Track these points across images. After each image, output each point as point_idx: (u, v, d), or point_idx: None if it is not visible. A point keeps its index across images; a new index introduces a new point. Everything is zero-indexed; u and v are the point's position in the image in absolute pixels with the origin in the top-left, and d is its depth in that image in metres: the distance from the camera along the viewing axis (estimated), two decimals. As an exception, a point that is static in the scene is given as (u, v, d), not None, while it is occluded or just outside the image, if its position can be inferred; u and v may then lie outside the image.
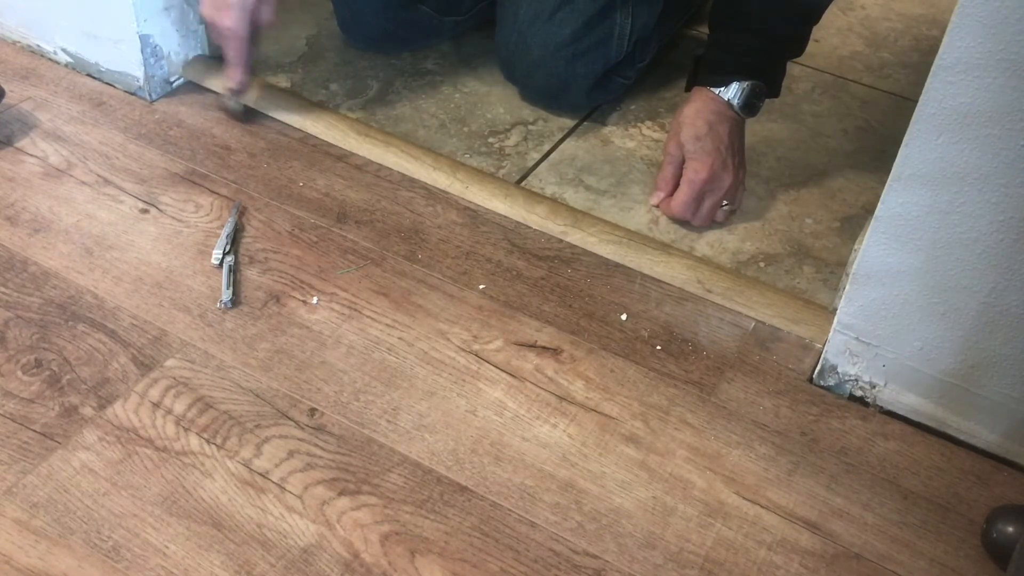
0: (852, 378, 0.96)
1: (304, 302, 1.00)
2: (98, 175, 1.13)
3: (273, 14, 1.14)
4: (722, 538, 0.84)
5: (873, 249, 0.88)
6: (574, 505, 0.85)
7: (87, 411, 0.88)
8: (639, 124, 1.30)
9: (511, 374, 0.95)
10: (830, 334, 0.95)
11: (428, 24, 1.35)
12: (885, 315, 0.91)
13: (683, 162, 1.12)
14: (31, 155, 1.15)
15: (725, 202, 1.13)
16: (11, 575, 0.76)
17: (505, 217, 1.13)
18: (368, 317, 0.99)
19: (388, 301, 1.01)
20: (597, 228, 1.11)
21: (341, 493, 0.84)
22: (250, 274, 1.03)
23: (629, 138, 1.28)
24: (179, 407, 0.89)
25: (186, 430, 0.87)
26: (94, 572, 0.77)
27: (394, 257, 1.06)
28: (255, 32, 1.15)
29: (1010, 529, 0.81)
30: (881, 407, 0.95)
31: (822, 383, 0.97)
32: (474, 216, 1.13)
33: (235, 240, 1.06)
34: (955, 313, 0.87)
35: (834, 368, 0.96)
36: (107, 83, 1.27)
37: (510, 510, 0.84)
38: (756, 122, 1.19)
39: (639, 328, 1.01)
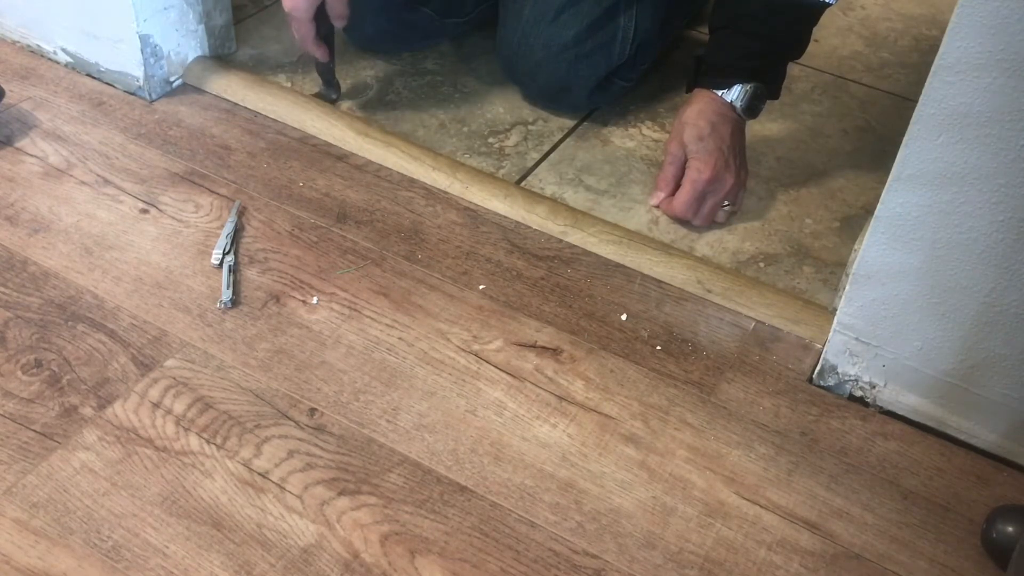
0: (852, 378, 0.96)
1: (304, 302, 1.00)
2: (98, 175, 1.13)
3: (343, 11, 1.17)
4: (722, 538, 0.84)
5: (873, 249, 0.88)
6: (574, 505, 0.85)
7: (87, 411, 0.88)
8: (639, 124, 1.30)
9: (511, 374, 0.95)
10: (830, 334, 0.95)
11: (429, 25, 1.35)
12: (885, 315, 0.91)
13: (685, 162, 1.12)
14: (31, 155, 1.15)
15: (726, 202, 1.13)
16: (11, 575, 0.76)
17: (505, 217, 1.13)
18: (368, 317, 0.99)
19: (388, 301, 1.01)
20: (597, 228, 1.11)
21: (341, 493, 0.84)
22: (250, 274, 1.03)
23: (629, 138, 1.28)
24: (179, 407, 0.89)
25: (186, 430, 0.87)
26: (94, 572, 0.77)
27: (394, 257, 1.06)
28: (327, 22, 1.18)
29: (1010, 529, 0.81)
30: (881, 407, 0.95)
31: (822, 383, 0.97)
32: (474, 216, 1.13)
33: (235, 240, 1.06)
34: (955, 313, 0.87)
35: (834, 368, 0.96)
36: (107, 83, 1.27)
37: (510, 510, 0.84)
38: (756, 122, 1.19)
39: (639, 328, 1.01)
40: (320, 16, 1.16)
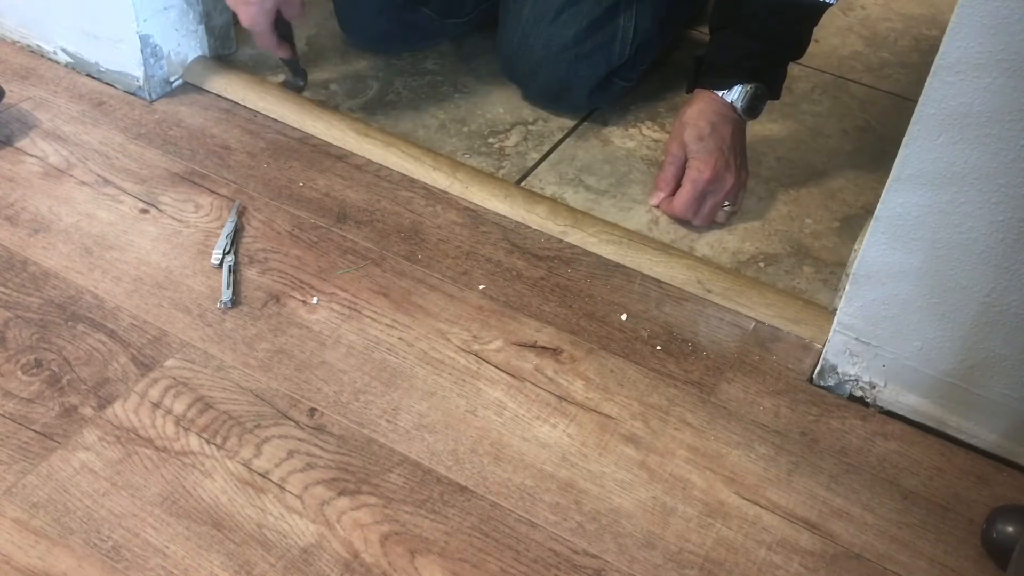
0: (852, 378, 0.96)
1: (304, 302, 1.00)
2: (98, 175, 1.13)
3: (299, 10, 1.19)
4: (722, 538, 0.84)
5: (873, 249, 0.88)
6: (574, 505, 0.85)
7: (87, 411, 0.88)
8: (639, 124, 1.30)
9: (511, 374, 0.95)
10: (830, 334, 0.95)
11: (429, 25, 1.35)
12: (885, 315, 0.91)
13: (685, 162, 1.13)
14: (31, 155, 1.15)
15: (727, 202, 1.13)
16: (11, 575, 0.76)
17: (505, 217, 1.13)
18: (368, 317, 0.99)
19: (388, 301, 1.01)
20: (597, 228, 1.11)
21: (341, 493, 0.84)
22: (250, 274, 1.03)
23: (629, 138, 1.28)
24: (179, 407, 0.89)
25: (186, 430, 0.87)
26: (94, 572, 0.77)
27: (394, 257, 1.06)
28: (284, 22, 1.20)
29: (1010, 529, 0.81)
30: (881, 407, 0.95)
31: (822, 383, 0.97)
32: (474, 216, 1.13)
33: (235, 240, 1.06)
34: (955, 313, 0.87)
35: (834, 368, 0.96)
36: (107, 83, 1.27)
37: (510, 510, 0.84)
38: (756, 122, 1.19)
39: (639, 328, 1.01)
40: (277, 20, 1.19)
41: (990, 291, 0.84)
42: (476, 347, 0.97)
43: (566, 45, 1.22)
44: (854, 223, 1.16)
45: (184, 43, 1.26)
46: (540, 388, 0.94)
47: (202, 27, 1.27)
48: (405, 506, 0.83)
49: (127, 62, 1.23)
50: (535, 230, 1.11)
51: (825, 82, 1.41)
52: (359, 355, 0.96)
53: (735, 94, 1.11)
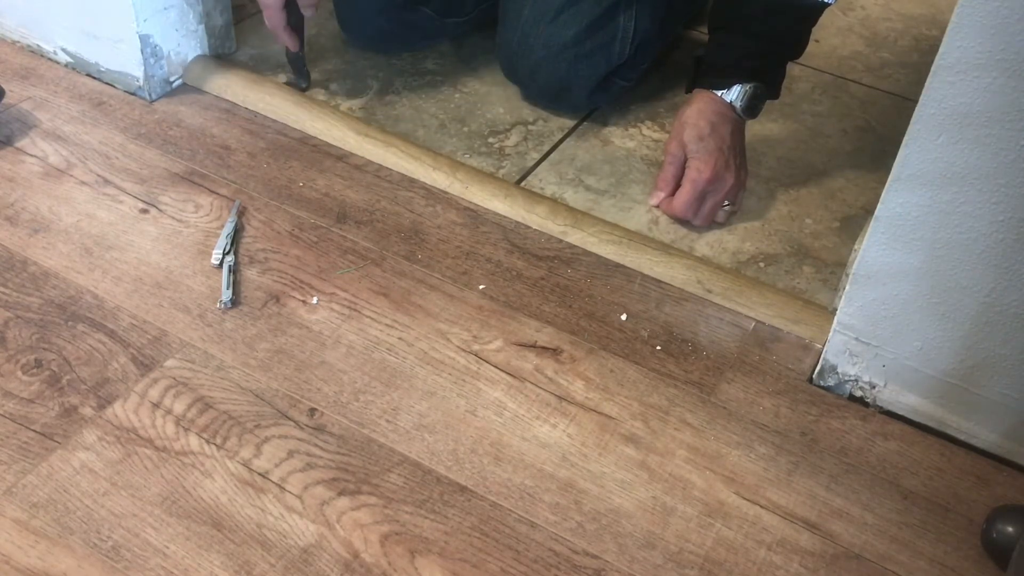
0: (852, 378, 0.96)
1: (304, 302, 1.00)
2: (98, 175, 1.13)
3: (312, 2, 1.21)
4: (722, 538, 0.84)
5: (873, 249, 0.88)
6: (574, 505, 0.85)
7: (87, 411, 0.88)
8: (639, 124, 1.30)
9: (511, 374, 0.95)
10: (830, 334, 0.95)
11: (429, 25, 1.35)
12: (885, 315, 0.91)
13: (685, 162, 1.13)
14: (31, 155, 1.15)
15: (727, 202, 1.13)
16: (11, 575, 0.76)
17: (505, 217, 1.13)
18: (368, 317, 0.99)
19: (388, 301, 1.01)
20: (597, 228, 1.11)
21: (341, 493, 0.84)
22: (250, 274, 1.03)
23: (629, 138, 1.28)
24: (179, 407, 0.89)
25: (186, 430, 0.87)
26: (94, 572, 0.77)
27: (394, 257, 1.06)
28: (297, 12, 1.21)
29: (1010, 529, 0.81)
30: (881, 407, 0.95)
31: (822, 383, 0.97)
32: (474, 216, 1.13)
33: (235, 240, 1.06)
34: (955, 313, 0.87)
35: (834, 368, 0.96)
36: (107, 83, 1.27)
37: (510, 510, 0.84)
38: (756, 122, 1.19)
39: (639, 328, 1.01)
40: (290, 5, 1.19)
41: (990, 291, 0.84)
42: (476, 347, 0.97)
43: (566, 45, 1.22)
44: (854, 223, 1.16)
45: (184, 43, 1.26)
46: (540, 388, 0.94)
47: (202, 27, 1.27)
48: (405, 506, 0.83)
49: (127, 62, 1.23)
50: (535, 230, 1.11)
51: (825, 82, 1.41)
52: (359, 355, 0.96)
53: (734, 94, 1.11)
